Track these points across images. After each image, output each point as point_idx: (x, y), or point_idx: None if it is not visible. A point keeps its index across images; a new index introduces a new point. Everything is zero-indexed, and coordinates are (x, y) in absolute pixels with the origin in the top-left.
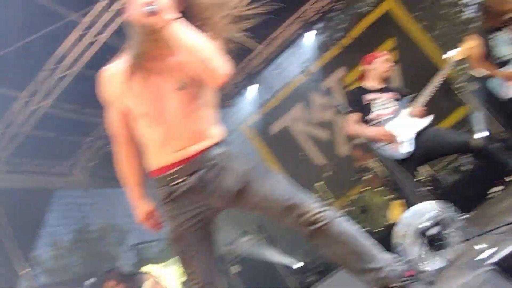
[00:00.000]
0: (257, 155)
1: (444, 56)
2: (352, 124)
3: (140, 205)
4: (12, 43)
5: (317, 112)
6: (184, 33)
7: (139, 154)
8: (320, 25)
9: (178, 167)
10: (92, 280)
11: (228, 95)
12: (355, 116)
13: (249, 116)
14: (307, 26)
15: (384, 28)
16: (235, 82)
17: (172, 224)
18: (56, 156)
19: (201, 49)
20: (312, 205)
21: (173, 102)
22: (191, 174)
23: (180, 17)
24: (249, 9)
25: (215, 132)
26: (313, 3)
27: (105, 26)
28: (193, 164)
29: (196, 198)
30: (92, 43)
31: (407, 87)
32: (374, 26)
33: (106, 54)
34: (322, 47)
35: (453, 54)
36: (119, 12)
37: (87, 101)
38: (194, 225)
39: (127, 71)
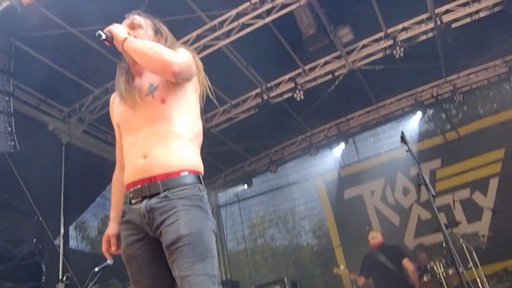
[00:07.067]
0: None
1: None
2: None
3: (109, 227)
4: None
5: (397, 194)
6: (136, 43)
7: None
8: (431, 110)
9: (136, 187)
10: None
11: (315, 144)
12: None
13: (328, 172)
14: (418, 106)
15: (499, 136)
16: (326, 135)
17: (123, 244)
18: None
19: (150, 48)
20: None
21: (142, 108)
22: (144, 198)
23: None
24: None
25: (190, 160)
26: (432, 87)
27: None
28: (151, 187)
29: (140, 223)
30: None
31: (502, 202)
32: (487, 130)
33: None
34: (426, 132)
35: None
36: None
37: None
38: (142, 247)
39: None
